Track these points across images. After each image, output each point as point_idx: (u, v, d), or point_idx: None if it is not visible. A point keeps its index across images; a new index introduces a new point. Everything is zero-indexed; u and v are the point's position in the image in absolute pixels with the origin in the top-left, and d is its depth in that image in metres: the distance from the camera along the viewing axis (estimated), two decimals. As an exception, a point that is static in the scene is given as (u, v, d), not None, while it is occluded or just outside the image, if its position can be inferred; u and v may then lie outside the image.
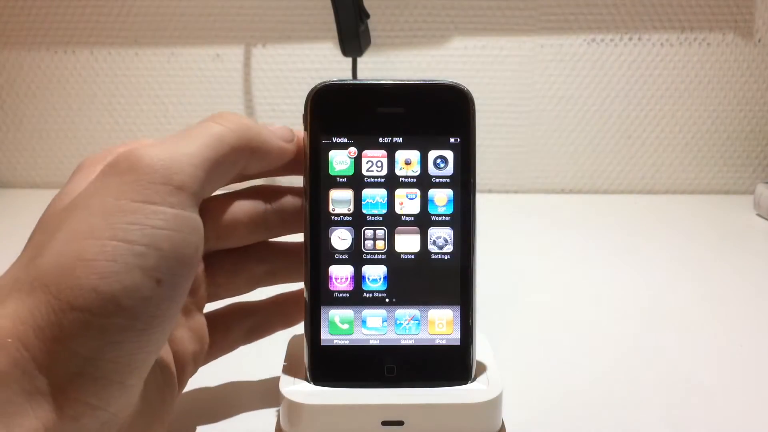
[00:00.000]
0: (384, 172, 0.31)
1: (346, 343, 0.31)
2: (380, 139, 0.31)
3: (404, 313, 0.31)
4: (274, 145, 0.29)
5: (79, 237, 0.22)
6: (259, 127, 0.28)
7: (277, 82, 0.76)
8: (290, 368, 0.31)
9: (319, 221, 0.31)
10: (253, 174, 0.30)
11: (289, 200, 0.31)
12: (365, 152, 0.31)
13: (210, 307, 0.32)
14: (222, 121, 0.27)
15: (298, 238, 0.31)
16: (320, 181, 0.31)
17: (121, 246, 0.22)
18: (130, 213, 0.23)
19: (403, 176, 0.31)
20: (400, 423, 0.29)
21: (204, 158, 0.25)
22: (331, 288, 0.31)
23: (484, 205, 0.33)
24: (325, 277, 0.31)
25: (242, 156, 0.27)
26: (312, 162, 0.31)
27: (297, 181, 0.31)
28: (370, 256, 0.31)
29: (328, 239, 0.31)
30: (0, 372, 0.20)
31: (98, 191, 0.23)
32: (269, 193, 0.31)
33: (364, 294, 0.31)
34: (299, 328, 0.34)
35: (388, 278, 0.31)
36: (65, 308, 0.21)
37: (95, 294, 0.21)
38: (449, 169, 0.31)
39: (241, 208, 0.30)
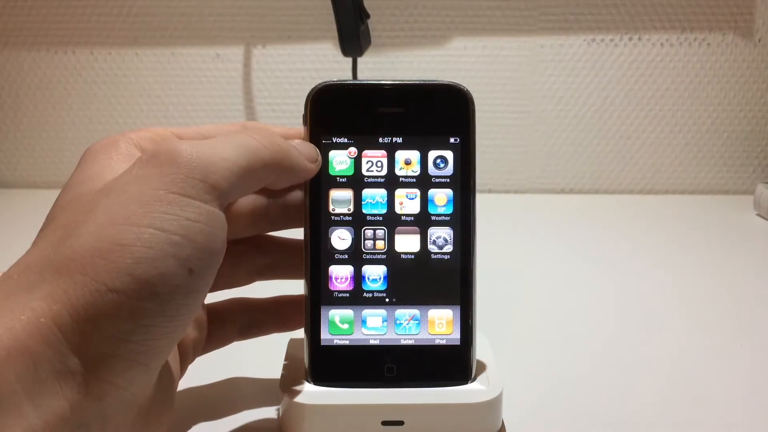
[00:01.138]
0: (384, 172, 0.31)
1: (346, 343, 0.31)
2: (380, 139, 0.31)
3: (404, 312, 0.31)
4: (301, 167, 0.29)
5: (117, 222, 0.23)
6: (288, 146, 0.29)
7: (277, 82, 0.76)
8: (290, 368, 0.31)
9: (319, 221, 0.31)
10: (273, 188, 0.30)
11: (291, 194, 0.31)
12: (365, 152, 0.31)
13: (209, 298, 0.32)
14: (257, 136, 0.27)
15: (299, 233, 0.31)
16: (320, 181, 0.31)
17: (158, 234, 0.23)
18: (167, 203, 0.23)
19: (403, 176, 0.31)
20: (400, 423, 0.29)
21: (239, 166, 0.26)
22: (331, 288, 0.31)
23: (484, 205, 0.33)
24: (325, 277, 0.31)
25: (272, 173, 0.28)
26: (312, 162, 0.31)
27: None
28: (370, 256, 0.31)
29: (328, 239, 0.31)
30: (33, 351, 0.20)
31: (136, 179, 0.24)
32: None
33: (364, 294, 0.31)
34: (297, 332, 0.34)
35: (388, 278, 0.31)
36: (102, 290, 0.21)
37: (131, 278, 0.22)
38: (449, 169, 0.31)
39: (245, 199, 0.30)
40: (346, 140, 0.31)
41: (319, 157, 0.30)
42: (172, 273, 0.23)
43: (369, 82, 0.31)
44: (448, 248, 0.31)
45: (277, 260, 0.33)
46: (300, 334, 0.32)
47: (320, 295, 0.30)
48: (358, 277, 0.31)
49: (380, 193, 0.31)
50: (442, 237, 0.31)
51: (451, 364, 0.30)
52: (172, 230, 0.23)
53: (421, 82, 0.31)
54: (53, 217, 0.25)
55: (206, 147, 0.25)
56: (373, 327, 0.31)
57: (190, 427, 0.31)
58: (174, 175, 0.24)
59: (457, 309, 0.31)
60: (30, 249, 0.24)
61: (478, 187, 0.31)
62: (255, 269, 0.33)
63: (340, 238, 0.31)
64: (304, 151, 0.29)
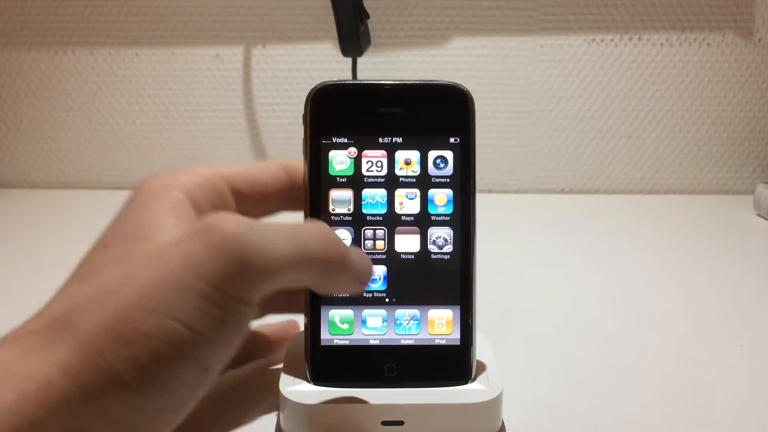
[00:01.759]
0: (384, 172, 0.31)
1: (346, 343, 0.31)
2: (380, 139, 0.31)
3: (404, 312, 0.31)
4: (351, 286, 0.27)
5: (146, 304, 0.22)
6: (345, 261, 0.26)
7: (277, 82, 0.76)
8: (290, 368, 0.31)
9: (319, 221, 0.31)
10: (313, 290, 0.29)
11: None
12: (365, 152, 0.31)
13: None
14: (318, 242, 0.25)
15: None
16: (320, 181, 0.31)
17: (183, 333, 0.22)
18: (202, 297, 0.22)
19: (403, 176, 0.31)
20: (400, 423, 0.29)
21: (289, 269, 0.24)
22: (331, 288, 0.31)
23: (484, 205, 0.33)
24: (325, 277, 0.31)
25: (318, 285, 0.27)
26: (312, 162, 0.31)
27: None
28: (370, 256, 0.31)
29: (328, 239, 0.31)
30: (41, 424, 0.20)
31: (180, 257, 0.23)
32: (292, 169, 0.31)
33: (364, 294, 0.31)
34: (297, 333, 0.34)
35: (388, 278, 0.31)
36: (116, 379, 0.21)
37: (145, 377, 0.21)
38: (449, 169, 0.31)
39: (267, 181, 0.30)
40: (346, 140, 0.31)
41: (373, 275, 0.29)
42: (186, 373, 0.22)
43: (369, 82, 0.31)
44: (448, 248, 0.31)
45: (275, 302, 0.32)
46: (300, 334, 0.31)
47: (320, 295, 0.30)
48: (358, 277, 0.31)
49: (380, 193, 0.31)
50: (442, 237, 0.31)
51: (451, 364, 0.30)
52: (199, 329, 0.22)
53: (421, 82, 0.31)
54: (93, 254, 0.25)
55: (264, 240, 0.23)
56: (373, 327, 0.31)
57: (189, 428, 0.31)
58: (220, 267, 0.22)
59: (457, 309, 0.31)
60: (61, 292, 0.24)
61: (478, 187, 0.31)
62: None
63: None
64: (360, 266, 0.27)
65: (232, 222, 0.23)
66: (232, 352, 0.24)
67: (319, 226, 0.26)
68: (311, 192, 0.31)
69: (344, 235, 0.31)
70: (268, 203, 0.31)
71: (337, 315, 0.31)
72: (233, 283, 0.22)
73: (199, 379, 0.23)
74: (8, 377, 0.21)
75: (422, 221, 0.31)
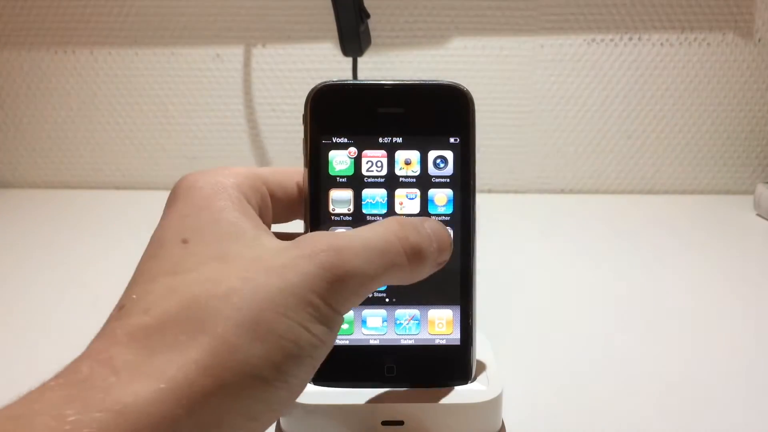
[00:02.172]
0: (384, 172, 0.31)
1: (346, 343, 0.31)
2: (380, 139, 0.31)
3: (404, 312, 0.31)
4: (430, 269, 0.28)
5: (276, 308, 0.23)
6: (431, 262, 0.28)
7: (277, 82, 0.76)
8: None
9: (319, 221, 0.31)
10: None
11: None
12: (365, 152, 0.31)
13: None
14: (416, 260, 0.27)
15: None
16: (320, 181, 0.31)
17: (306, 335, 0.24)
18: (316, 308, 0.24)
19: (403, 176, 0.31)
20: (400, 423, 0.29)
21: (382, 284, 0.27)
22: (331, 288, 0.31)
23: (484, 205, 0.33)
24: (325, 277, 0.31)
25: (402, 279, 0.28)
26: (312, 162, 0.31)
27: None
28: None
29: (328, 239, 0.31)
30: (176, 418, 0.21)
31: (294, 269, 0.24)
32: None
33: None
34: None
35: (388, 278, 0.31)
36: (252, 373, 0.22)
37: (277, 371, 0.23)
38: (449, 169, 0.31)
39: (295, 186, 0.31)
40: (346, 140, 0.31)
41: (451, 247, 0.29)
42: (306, 372, 0.24)
43: (369, 82, 0.31)
44: (448, 248, 0.31)
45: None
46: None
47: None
48: (358, 277, 0.31)
49: (380, 193, 0.31)
50: (442, 237, 0.31)
51: (451, 364, 0.30)
52: (316, 334, 0.24)
53: (422, 82, 0.31)
54: (170, 249, 0.25)
55: (360, 263, 0.25)
56: (373, 327, 0.31)
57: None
58: (327, 285, 0.24)
59: (457, 309, 0.31)
60: (150, 284, 0.24)
61: (478, 187, 0.31)
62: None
63: (340, 238, 0.31)
64: (439, 253, 0.28)
65: (333, 243, 0.25)
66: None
67: (402, 237, 0.27)
68: (311, 192, 0.31)
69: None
70: (295, 208, 0.32)
71: (337, 315, 0.31)
72: (336, 299, 0.25)
73: (310, 376, 0.24)
74: (140, 377, 0.21)
75: (422, 221, 0.31)
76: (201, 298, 0.23)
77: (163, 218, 0.27)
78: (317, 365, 0.25)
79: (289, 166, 0.32)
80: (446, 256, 0.29)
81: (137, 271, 0.25)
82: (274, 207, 0.31)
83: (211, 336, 0.22)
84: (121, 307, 0.24)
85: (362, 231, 0.27)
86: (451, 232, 0.31)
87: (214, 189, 0.27)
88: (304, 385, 0.25)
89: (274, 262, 0.24)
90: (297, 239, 0.26)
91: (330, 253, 0.25)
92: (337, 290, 0.24)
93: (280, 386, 0.23)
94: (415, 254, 0.27)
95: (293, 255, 0.25)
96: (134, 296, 0.24)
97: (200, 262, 0.24)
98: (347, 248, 0.25)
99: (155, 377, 0.21)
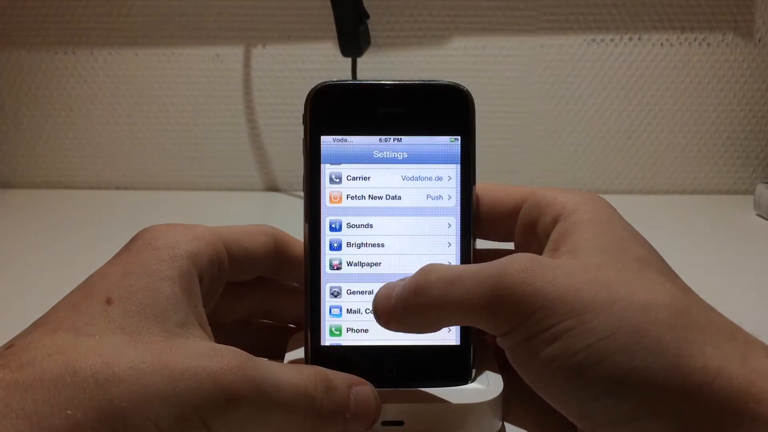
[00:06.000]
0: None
1: (347, 343, 0.31)
2: (380, 139, 0.31)
3: (404, 313, 0.31)
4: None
5: (148, 412, 0.22)
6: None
7: (277, 82, 0.76)
8: (290, 368, 0.31)
9: (318, 221, 0.31)
10: None
11: (296, 250, 0.33)
12: (365, 152, 0.31)
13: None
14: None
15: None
16: (320, 181, 0.31)
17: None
18: (187, 424, 0.23)
19: (403, 176, 0.31)
20: (400, 423, 0.29)
21: None
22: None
23: (484, 205, 0.33)
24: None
25: None
26: (312, 162, 0.31)
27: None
28: (370, 256, 0.31)
29: (328, 240, 0.31)
30: None
31: (193, 379, 0.24)
32: (279, 238, 0.32)
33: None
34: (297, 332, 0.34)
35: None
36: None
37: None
38: (449, 169, 0.31)
39: (257, 247, 0.31)
40: (346, 140, 0.31)
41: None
42: None
43: (369, 82, 0.31)
44: (448, 248, 0.31)
45: (272, 304, 0.34)
46: (300, 334, 0.31)
47: (319, 296, 0.30)
48: (358, 277, 0.31)
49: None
50: (442, 237, 0.31)
51: (451, 364, 0.30)
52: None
53: (421, 82, 0.31)
54: (91, 304, 0.25)
55: (264, 394, 0.25)
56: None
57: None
58: (219, 406, 0.24)
59: (457, 309, 0.31)
60: (49, 337, 0.24)
61: (478, 187, 0.31)
62: (249, 310, 0.34)
63: (340, 238, 0.31)
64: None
65: (250, 374, 0.25)
66: None
67: (318, 398, 0.27)
68: (311, 192, 0.31)
69: (344, 235, 0.31)
70: (254, 268, 0.32)
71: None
72: (217, 424, 0.24)
73: None
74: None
75: (422, 221, 0.31)
76: (82, 372, 0.22)
77: (108, 263, 0.27)
78: None
79: (254, 224, 0.32)
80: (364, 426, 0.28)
81: (53, 310, 0.25)
82: (232, 267, 0.30)
83: (70, 419, 0.21)
84: (9, 347, 0.23)
85: (287, 368, 0.26)
86: (451, 231, 0.31)
87: (169, 254, 0.27)
88: None
89: (178, 364, 0.23)
90: (225, 348, 0.25)
91: (239, 377, 0.24)
92: (224, 415, 0.24)
93: None
94: (327, 416, 0.26)
95: (202, 365, 0.24)
96: (25, 342, 0.23)
97: (109, 330, 0.24)
98: (264, 380, 0.24)
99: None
